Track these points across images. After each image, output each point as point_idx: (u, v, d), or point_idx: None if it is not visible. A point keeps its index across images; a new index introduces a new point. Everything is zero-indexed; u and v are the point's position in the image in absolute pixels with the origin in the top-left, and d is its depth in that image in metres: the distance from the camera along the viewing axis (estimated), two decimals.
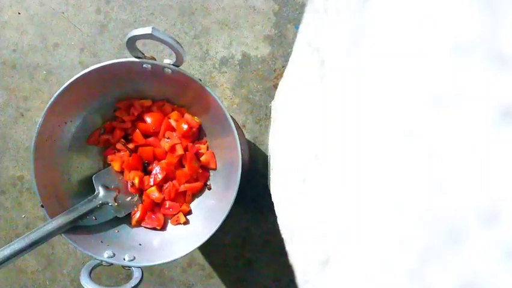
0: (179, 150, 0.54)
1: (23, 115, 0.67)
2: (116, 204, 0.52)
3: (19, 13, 0.66)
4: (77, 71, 0.46)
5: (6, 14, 0.66)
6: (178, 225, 0.55)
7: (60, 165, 0.52)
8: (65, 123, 0.51)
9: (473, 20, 0.12)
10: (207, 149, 0.55)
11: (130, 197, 0.54)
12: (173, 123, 0.54)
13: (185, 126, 0.53)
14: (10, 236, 0.68)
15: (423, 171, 0.14)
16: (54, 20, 0.66)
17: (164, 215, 0.55)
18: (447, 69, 0.13)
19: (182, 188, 0.55)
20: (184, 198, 0.56)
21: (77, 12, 0.66)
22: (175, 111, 0.54)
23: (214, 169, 0.56)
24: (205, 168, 0.56)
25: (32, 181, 0.49)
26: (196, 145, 0.55)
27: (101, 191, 0.52)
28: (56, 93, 0.46)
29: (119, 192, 0.53)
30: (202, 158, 0.55)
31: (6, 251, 0.41)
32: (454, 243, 0.12)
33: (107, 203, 0.52)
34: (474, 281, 0.11)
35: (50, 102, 0.46)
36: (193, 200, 0.56)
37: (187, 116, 0.54)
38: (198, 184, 0.55)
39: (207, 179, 0.56)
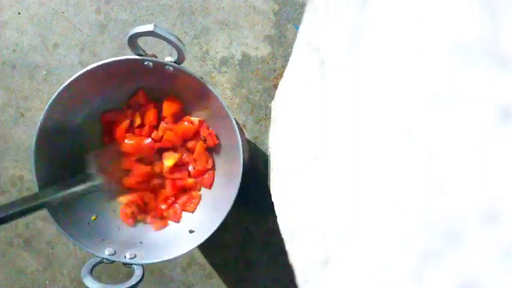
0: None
1: (23, 115, 0.67)
2: (106, 188, 0.51)
3: (19, 13, 0.66)
4: (77, 71, 0.46)
5: (6, 14, 0.66)
6: (179, 225, 0.55)
7: (61, 165, 0.52)
8: (65, 123, 0.51)
9: (473, 20, 0.12)
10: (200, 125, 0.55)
11: (118, 181, 0.53)
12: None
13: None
14: (10, 236, 0.68)
15: (423, 171, 0.14)
16: (54, 20, 0.66)
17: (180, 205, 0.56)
18: (447, 69, 0.13)
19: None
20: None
21: (77, 12, 0.66)
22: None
23: (215, 146, 0.56)
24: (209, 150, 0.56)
25: (32, 181, 0.49)
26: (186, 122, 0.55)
27: (93, 171, 0.51)
28: (56, 92, 0.46)
29: (110, 175, 0.52)
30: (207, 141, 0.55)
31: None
32: (454, 243, 0.12)
33: (97, 185, 0.50)
34: (474, 281, 0.11)
35: (50, 102, 0.46)
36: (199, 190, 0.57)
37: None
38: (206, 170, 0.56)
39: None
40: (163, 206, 0.55)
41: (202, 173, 0.55)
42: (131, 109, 0.55)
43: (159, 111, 0.54)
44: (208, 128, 0.55)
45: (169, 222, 0.55)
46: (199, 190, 0.56)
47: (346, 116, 0.21)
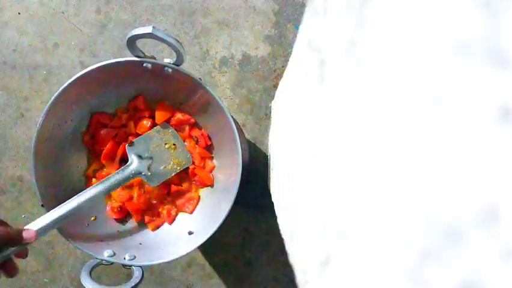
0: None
1: (23, 115, 0.67)
2: (149, 173, 0.51)
3: (19, 13, 0.66)
4: (77, 71, 0.46)
5: (6, 14, 0.66)
6: (178, 226, 0.55)
7: (61, 165, 0.52)
8: (65, 123, 0.51)
9: (473, 19, 0.12)
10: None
11: (163, 166, 0.53)
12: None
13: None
14: None
15: (424, 171, 0.14)
16: (54, 20, 0.66)
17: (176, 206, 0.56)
18: (447, 69, 0.13)
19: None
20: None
21: (77, 12, 0.66)
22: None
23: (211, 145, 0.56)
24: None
25: (32, 181, 0.49)
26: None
27: (134, 161, 0.51)
28: (56, 93, 0.46)
29: (152, 161, 0.52)
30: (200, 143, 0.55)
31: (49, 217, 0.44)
32: (453, 243, 0.12)
33: (141, 173, 0.51)
34: (474, 281, 0.11)
35: (50, 102, 0.46)
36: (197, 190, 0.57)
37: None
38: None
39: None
40: (160, 207, 0.55)
41: (198, 172, 0.55)
42: (127, 113, 0.54)
43: (154, 119, 0.54)
44: (200, 129, 0.55)
45: (165, 223, 0.55)
46: (197, 191, 0.56)
47: (345, 116, 0.21)
